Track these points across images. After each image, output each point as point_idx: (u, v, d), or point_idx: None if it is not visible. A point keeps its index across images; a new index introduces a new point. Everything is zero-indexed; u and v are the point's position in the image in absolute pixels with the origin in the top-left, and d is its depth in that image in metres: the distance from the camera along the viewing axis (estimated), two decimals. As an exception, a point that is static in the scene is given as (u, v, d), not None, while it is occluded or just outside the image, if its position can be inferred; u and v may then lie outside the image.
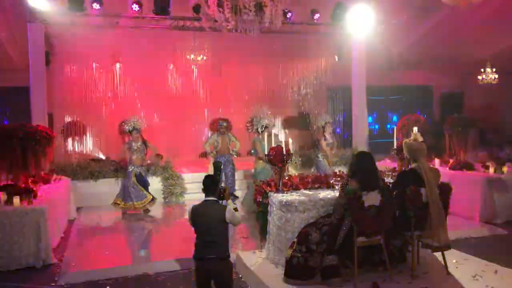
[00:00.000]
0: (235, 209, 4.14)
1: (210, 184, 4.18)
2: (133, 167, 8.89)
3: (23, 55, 10.14)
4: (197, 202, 4.21)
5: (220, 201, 4.18)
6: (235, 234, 7.33)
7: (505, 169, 8.18)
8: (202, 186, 4.19)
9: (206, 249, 3.99)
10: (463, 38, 12.96)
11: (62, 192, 7.70)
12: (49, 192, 7.06)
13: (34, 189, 6.59)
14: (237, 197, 9.69)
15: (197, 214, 4.10)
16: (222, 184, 4.37)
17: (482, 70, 14.42)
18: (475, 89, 15.90)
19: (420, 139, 5.07)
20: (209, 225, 4.02)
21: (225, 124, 9.74)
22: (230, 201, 4.29)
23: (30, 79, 9.63)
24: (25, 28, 9.62)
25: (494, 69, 14.30)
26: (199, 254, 4.04)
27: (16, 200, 6.09)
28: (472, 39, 12.97)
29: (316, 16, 11.07)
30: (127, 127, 9.03)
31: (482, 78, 14.47)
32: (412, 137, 5.09)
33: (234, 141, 9.70)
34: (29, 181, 7.08)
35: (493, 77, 14.36)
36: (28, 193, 6.29)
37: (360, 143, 11.86)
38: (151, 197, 8.87)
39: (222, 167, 4.79)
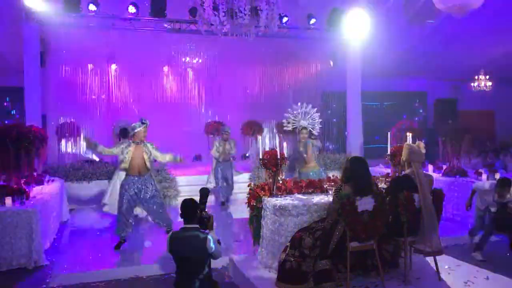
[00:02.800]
0: (218, 242, 3.87)
1: (189, 210, 3.87)
2: None
3: (18, 55, 10.10)
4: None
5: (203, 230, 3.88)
6: (229, 239, 7.33)
7: (497, 176, 8.22)
8: (180, 212, 3.88)
9: (187, 282, 3.75)
10: (458, 45, 13.05)
11: (55, 193, 7.66)
12: (41, 193, 7.03)
13: (27, 190, 6.56)
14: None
15: (177, 243, 3.81)
16: (205, 212, 3.99)
17: (476, 77, 14.55)
18: (469, 95, 16.03)
19: (423, 150, 5.12)
20: (189, 255, 3.76)
21: (229, 130, 9.83)
22: (213, 231, 3.96)
23: (25, 80, 9.59)
24: (21, 28, 9.58)
25: (487, 76, 14.43)
26: (179, 286, 3.80)
27: (8, 200, 6.06)
28: (466, 46, 13.07)
29: (312, 21, 11.11)
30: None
31: (476, 85, 14.61)
32: (416, 144, 5.15)
33: (233, 147, 9.91)
34: (22, 181, 7.05)
35: (486, 84, 14.49)
36: (20, 194, 6.26)
37: (354, 148, 11.90)
38: None
39: (209, 194, 4.36)
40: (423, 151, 5.10)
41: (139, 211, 8.38)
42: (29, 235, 5.90)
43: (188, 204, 3.91)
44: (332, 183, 5.55)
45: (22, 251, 5.89)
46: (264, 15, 7.48)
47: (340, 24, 11.15)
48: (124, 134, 8.84)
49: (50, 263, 6.07)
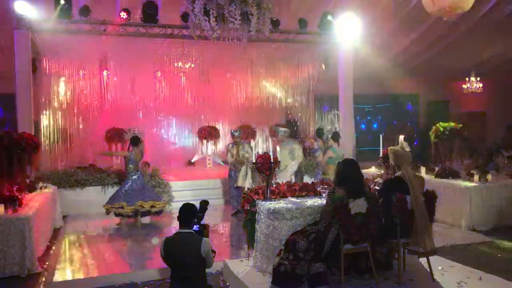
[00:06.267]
0: (213, 252, 3.90)
1: (186, 214, 3.90)
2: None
3: (9, 62, 10.05)
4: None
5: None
6: (223, 243, 7.33)
7: (489, 177, 8.30)
8: (177, 214, 3.93)
9: (181, 287, 3.74)
10: (449, 47, 13.15)
11: (48, 200, 7.62)
12: (34, 200, 6.99)
13: (20, 197, 6.52)
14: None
15: (171, 248, 3.81)
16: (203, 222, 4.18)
17: (467, 79, 14.67)
18: (461, 97, 16.15)
19: (407, 148, 5.13)
20: (183, 259, 3.75)
21: (237, 134, 9.49)
22: (208, 239, 3.99)
23: (16, 86, 9.54)
24: (12, 34, 9.54)
25: (478, 78, 14.55)
26: None
27: (1, 208, 6.02)
28: (457, 49, 13.17)
29: (304, 25, 11.13)
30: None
31: (467, 87, 14.72)
32: (398, 145, 5.16)
33: (249, 150, 9.23)
34: (14, 189, 7.00)
35: (477, 86, 14.61)
36: (13, 201, 6.22)
37: (347, 151, 11.92)
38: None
39: (208, 206, 4.64)
40: (407, 149, 5.11)
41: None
42: (22, 242, 5.86)
43: (187, 208, 3.95)
44: (326, 186, 5.57)
45: (15, 258, 5.84)
46: (255, 20, 7.49)
47: (331, 27, 11.21)
48: (135, 142, 8.66)
49: (43, 271, 6.04)
